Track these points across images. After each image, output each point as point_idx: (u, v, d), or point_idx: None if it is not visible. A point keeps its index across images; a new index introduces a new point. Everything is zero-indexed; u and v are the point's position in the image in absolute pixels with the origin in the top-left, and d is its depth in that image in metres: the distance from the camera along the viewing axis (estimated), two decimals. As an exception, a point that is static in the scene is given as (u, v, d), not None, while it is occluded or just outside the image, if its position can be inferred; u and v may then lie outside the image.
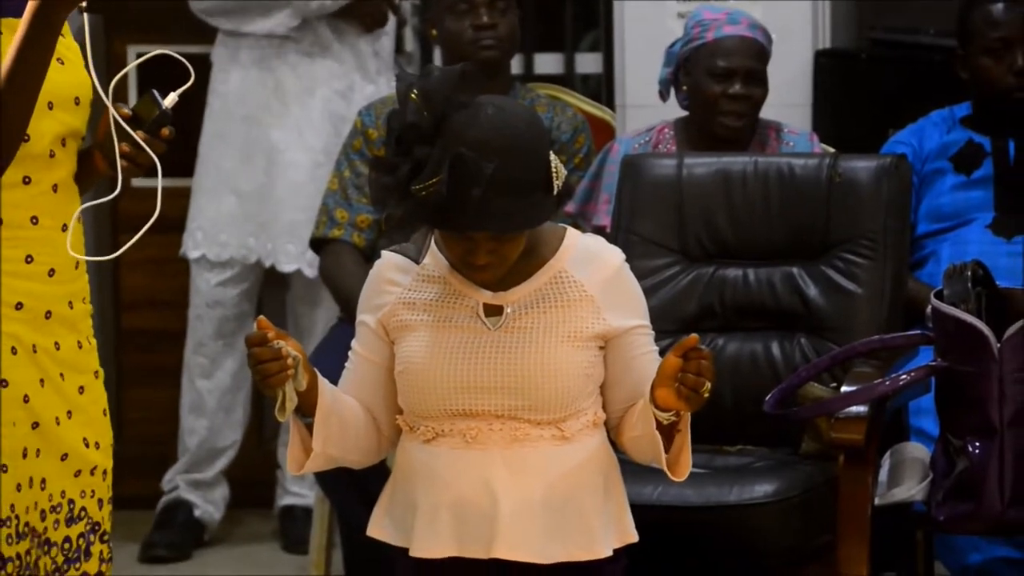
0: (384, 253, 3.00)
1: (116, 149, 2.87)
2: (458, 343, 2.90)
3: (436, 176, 2.73)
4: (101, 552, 3.01)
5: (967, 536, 4.07)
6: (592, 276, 2.91)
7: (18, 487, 2.89)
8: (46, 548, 2.94)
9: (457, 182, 2.72)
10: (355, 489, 4.01)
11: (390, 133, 2.79)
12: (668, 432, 2.84)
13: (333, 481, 4.30)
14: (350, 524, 4.37)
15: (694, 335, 2.75)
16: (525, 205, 2.79)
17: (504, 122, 2.78)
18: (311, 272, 5.09)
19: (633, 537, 2.96)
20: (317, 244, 4.70)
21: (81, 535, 2.98)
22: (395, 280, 2.96)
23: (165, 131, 2.89)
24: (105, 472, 3.01)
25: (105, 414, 3.03)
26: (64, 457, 2.95)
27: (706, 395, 2.74)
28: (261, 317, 2.81)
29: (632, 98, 5.21)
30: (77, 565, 2.99)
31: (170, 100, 2.89)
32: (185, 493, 5.30)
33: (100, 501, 3.01)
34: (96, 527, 3.01)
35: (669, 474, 2.88)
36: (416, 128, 2.75)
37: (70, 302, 2.96)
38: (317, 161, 5.11)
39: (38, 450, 2.91)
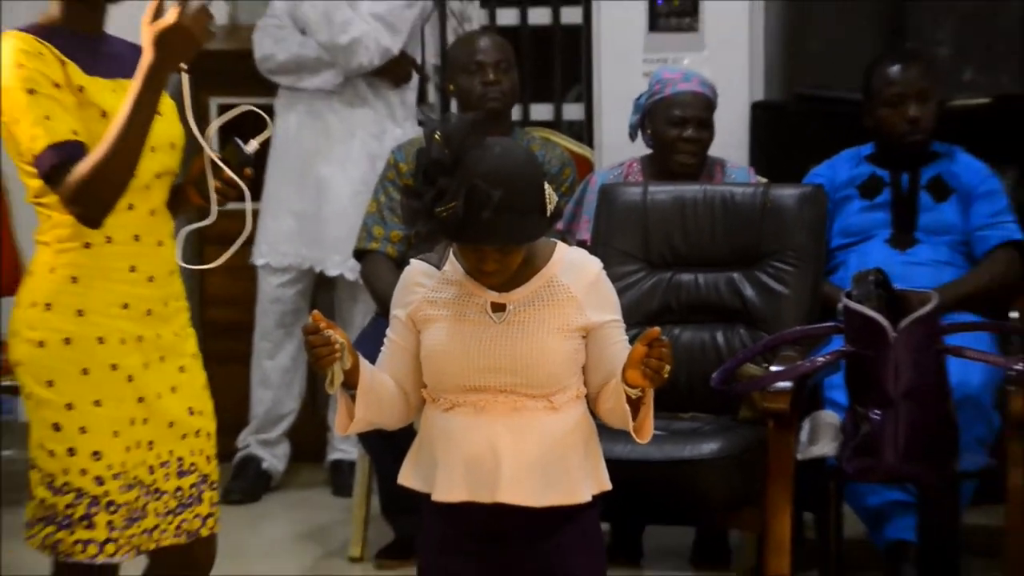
0: (412, 261, 2.99)
1: (211, 184, 2.88)
2: (470, 333, 2.88)
3: (454, 201, 2.71)
4: (211, 498, 3.03)
5: (868, 484, 4.07)
6: (576, 281, 2.89)
7: (127, 449, 2.90)
8: (155, 496, 2.94)
9: (471, 206, 2.71)
10: (389, 447, 4.00)
11: (418, 167, 2.77)
12: (635, 404, 2.81)
13: (372, 440, 4.30)
14: (385, 474, 4.37)
15: (656, 328, 2.73)
16: (524, 224, 2.78)
17: (508, 159, 2.77)
18: (352, 276, 5.08)
19: (607, 486, 2.94)
20: (359, 254, 4.69)
21: (193, 485, 2.99)
22: (421, 282, 2.94)
23: (248, 171, 2.90)
24: (209, 434, 3.02)
25: (205, 387, 3.04)
26: (171, 424, 2.95)
27: (666, 376, 2.72)
28: (315, 311, 2.79)
29: (607, 139, 5.21)
30: (191, 508, 3.00)
31: (251, 147, 2.90)
32: (255, 450, 5.30)
33: (208, 457, 3.02)
34: (206, 478, 3.01)
35: (635, 437, 2.86)
36: (439, 163, 2.74)
37: (166, 302, 2.97)
38: (356, 190, 5.10)
39: (145, 419, 2.92)
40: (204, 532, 3.02)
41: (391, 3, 5.06)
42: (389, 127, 5.18)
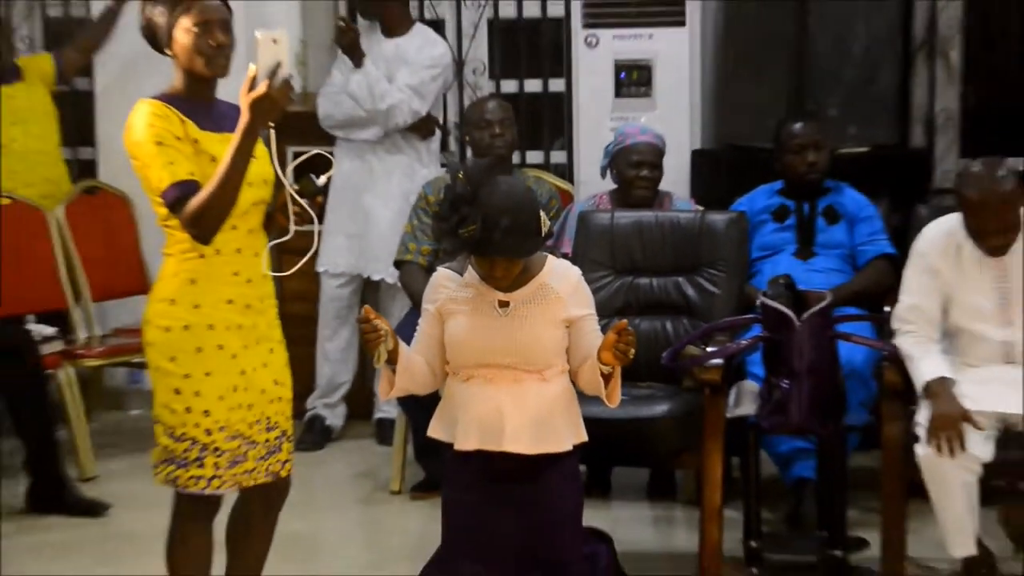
0: (439, 269, 2.99)
1: (290, 210, 2.89)
2: (483, 324, 2.89)
3: (473, 225, 2.73)
4: (289, 448, 3.04)
5: (779, 435, 4.07)
6: (562, 285, 2.90)
7: (231, 409, 2.91)
8: (252, 445, 2.95)
9: (486, 228, 2.73)
10: (420, 407, 3.97)
11: (445, 198, 2.79)
12: (606, 378, 2.83)
13: (407, 403, 4.30)
14: (417, 428, 4.36)
15: (624, 320, 2.75)
16: (525, 242, 2.79)
17: (513, 193, 2.79)
18: (392, 280, 5.07)
19: (585, 438, 2.95)
20: (397, 264, 4.67)
21: (277, 437, 3.00)
22: (446, 285, 2.95)
23: (319, 199, 2.91)
24: (289, 400, 3.03)
25: (287, 365, 3.04)
26: (263, 391, 2.96)
27: (631, 357, 2.74)
28: (366, 306, 2.81)
29: (584, 177, 5.22)
30: (275, 455, 3.01)
31: (321, 180, 2.91)
32: (320, 411, 5.28)
33: (287, 417, 3.02)
34: (285, 433, 3.02)
35: (606, 402, 2.88)
36: (462, 196, 2.75)
37: (261, 299, 2.97)
38: (394, 215, 5.10)
39: (244, 387, 2.93)
40: (284, 473, 3.03)
41: (421, 77, 5.06)
42: (418, 169, 5.17)
